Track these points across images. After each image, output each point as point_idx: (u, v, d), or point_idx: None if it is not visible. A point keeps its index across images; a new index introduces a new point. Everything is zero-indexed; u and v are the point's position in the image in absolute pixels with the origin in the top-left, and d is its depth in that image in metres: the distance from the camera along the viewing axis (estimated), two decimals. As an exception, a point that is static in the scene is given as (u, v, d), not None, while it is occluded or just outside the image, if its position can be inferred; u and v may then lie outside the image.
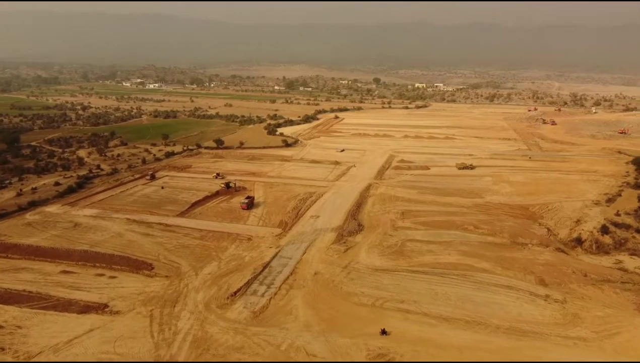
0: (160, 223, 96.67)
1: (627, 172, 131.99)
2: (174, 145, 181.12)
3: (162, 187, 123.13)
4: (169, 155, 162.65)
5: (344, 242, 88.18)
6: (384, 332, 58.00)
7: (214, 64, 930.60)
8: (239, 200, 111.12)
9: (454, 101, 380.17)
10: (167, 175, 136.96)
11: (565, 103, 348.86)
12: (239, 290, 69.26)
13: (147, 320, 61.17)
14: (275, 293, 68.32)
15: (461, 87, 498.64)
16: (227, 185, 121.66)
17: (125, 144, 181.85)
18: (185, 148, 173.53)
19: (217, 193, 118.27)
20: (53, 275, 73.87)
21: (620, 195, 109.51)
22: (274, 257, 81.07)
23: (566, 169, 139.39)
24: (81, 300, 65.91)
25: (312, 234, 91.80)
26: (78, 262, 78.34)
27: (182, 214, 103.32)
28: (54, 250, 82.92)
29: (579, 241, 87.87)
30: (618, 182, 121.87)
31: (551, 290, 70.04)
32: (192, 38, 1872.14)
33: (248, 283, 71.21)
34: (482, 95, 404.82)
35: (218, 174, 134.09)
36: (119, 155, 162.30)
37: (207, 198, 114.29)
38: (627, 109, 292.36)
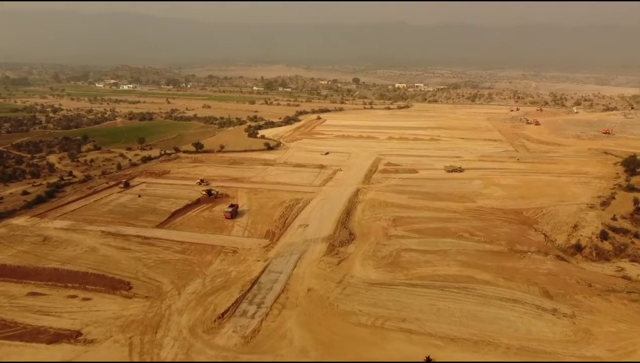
0: (138, 236, 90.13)
1: (617, 173, 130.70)
2: (151, 149, 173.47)
3: (139, 195, 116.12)
4: (146, 160, 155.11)
5: (336, 254, 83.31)
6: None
7: (190, 64, 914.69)
8: (222, 208, 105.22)
9: (435, 101, 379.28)
10: (144, 182, 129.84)
11: (547, 103, 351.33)
12: (226, 311, 63.70)
13: (125, 350, 55.20)
14: (267, 314, 62.99)
15: (442, 87, 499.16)
16: (209, 192, 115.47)
17: (99, 149, 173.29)
18: (162, 152, 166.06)
19: (198, 202, 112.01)
20: (19, 298, 66.98)
21: (614, 198, 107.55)
22: (262, 272, 75.68)
23: (556, 170, 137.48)
24: (51, 328, 59.43)
25: (301, 245, 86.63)
26: (48, 282, 71.54)
27: (161, 225, 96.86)
28: (21, 268, 75.84)
29: (578, 248, 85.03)
30: (610, 184, 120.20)
31: (557, 302, 66.58)
32: (166, 38, 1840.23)
33: (236, 303, 65.70)
34: (463, 95, 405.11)
35: (202, 180, 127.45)
36: (92, 160, 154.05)
37: (187, 207, 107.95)
38: (607, 109, 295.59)
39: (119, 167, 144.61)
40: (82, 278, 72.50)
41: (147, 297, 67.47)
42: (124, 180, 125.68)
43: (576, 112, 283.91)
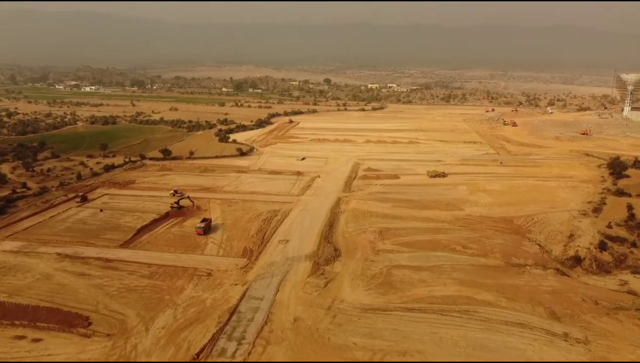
0: (99, 258, 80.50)
1: (603, 176, 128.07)
2: (114, 156, 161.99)
3: (101, 210, 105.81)
4: (109, 168, 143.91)
5: (322, 274, 75.97)
6: None
7: (155, 64, 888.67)
8: (194, 223, 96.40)
9: (409, 102, 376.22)
10: (106, 194, 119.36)
11: (521, 103, 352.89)
12: (202, 350, 55.47)
13: (82, 408, 46.37)
14: (250, 352, 55.08)
15: (415, 87, 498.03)
16: (179, 204, 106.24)
17: (58, 156, 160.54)
18: (127, 159, 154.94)
19: (167, 215, 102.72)
20: (-46, 342, 56.96)
21: (604, 203, 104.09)
22: (241, 299, 67.62)
23: (541, 174, 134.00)
24: (-9, 381, 49.99)
25: (283, 265, 78.90)
26: (-10, 320, 61.55)
27: (126, 244, 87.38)
28: (-41, 304, 65.45)
29: (577, 260, 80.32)
30: (598, 189, 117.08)
31: (567, 325, 61.15)
32: (130, 38, 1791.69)
33: (213, 340, 57.49)
34: (437, 96, 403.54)
35: (176, 191, 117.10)
36: (49, 169, 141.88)
37: (155, 222, 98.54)
38: (581, 109, 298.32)
39: (79, 177, 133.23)
40: (32, 314, 62.76)
41: (109, 334, 58.50)
42: (81, 194, 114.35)
43: (551, 112, 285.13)
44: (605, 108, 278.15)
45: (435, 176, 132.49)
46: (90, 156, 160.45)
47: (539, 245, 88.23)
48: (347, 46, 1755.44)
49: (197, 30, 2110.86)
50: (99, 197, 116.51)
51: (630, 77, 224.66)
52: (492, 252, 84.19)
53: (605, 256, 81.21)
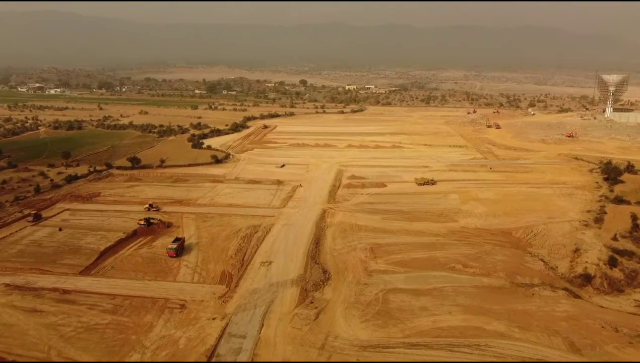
0: (54, 289, 70.28)
1: (597, 182, 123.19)
2: (78, 165, 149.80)
3: (60, 229, 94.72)
4: (71, 179, 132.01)
5: (311, 302, 67.55)
6: None
7: (124, 66, 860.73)
8: (165, 242, 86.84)
9: (389, 104, 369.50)
10: (67, 209, 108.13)
11: (502, 104, 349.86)
12: (175, 409, 46.36)
13: None
14: (232, 411, 46.27)
15: (393, 88, 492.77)
16: (148, 221, 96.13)
17: (15, 166, 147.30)
18: (92, 169, 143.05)
19: (135, 234, 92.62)
20: None
21: (605, 212, 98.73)
22: (220, 337, 58.77)
23: (533, 180, 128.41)
24: None
25: (267, 292, 70.13)
26: None
27: (86, 271, 77.20)
28: None
29: (587, 278, 74.13)
30: (594, 196, 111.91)
31: (589, 358, 54.45)
32: (99, 38, 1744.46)
33: (188, 394, 48.46)
34: (417, 98, 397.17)
35: (151, 205, 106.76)
36: (4, 181, 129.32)
37: (121, 243, 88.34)
38: (562, 110, 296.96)
39: (38, 190, 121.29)
40: (-32, 366, 52.52)
41: (61, 392, 48.80)
42: (34, 211, 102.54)
43: (532, 114, 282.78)
44: (587, 109, 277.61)
45: (423, 183, 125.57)
46: (52, 166, 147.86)
47: (542, 260, 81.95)
48: (320, 47, 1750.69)
49: (168, 31, 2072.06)
50: (58, 213, 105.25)
51: (611, 78, 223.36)
52: (494, 270, 77.31)
53: (616, 273, 75.27)
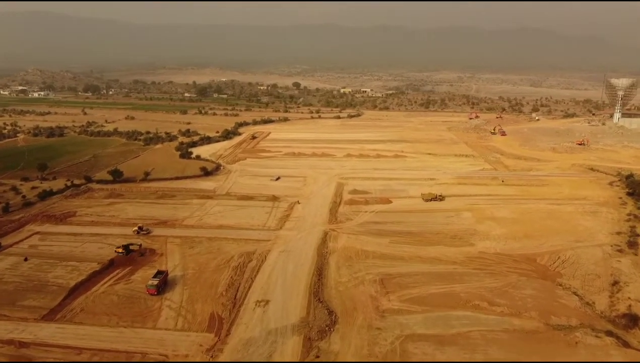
0: (9, 342, 58.88)
1: (621, 198, 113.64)
2: (55, 178, 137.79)
3: (26, 258, 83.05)
4: (45, 196, 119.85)
5: (317, 356, 56.81)
6: None
7: (113, 67, 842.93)
8: (145, 275, 75.82)
9: (387, 108, 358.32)
10: (37, 232, 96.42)
11: (504, 109, 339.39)
12: None
13: None
14: None
15: (390, 91, 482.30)
16: (127, 248, 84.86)
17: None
18: (69, 183, 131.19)
19: (111, 264, 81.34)
20: None
21: (637, 234, 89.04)
22: (208, 410, 47.77)
23: (551, 196, 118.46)
24: None
25: (264, 343, 59.30)
26: None
27: (51, 315, 65.74)
28: None
29: (633, 319, 64.01)
30: (621, 215, 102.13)
31: None
32: (87, 39, 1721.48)
33: None
34: (415, 102, 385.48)
35: (141, 228, 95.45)
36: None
37: (95, 276, 76.99)
38: (567, 115, 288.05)
39: (6, 209, 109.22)
40: None
41: None
42: None
43: (537, 119, 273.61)
44: (594, 114, 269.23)
45: (431, 199, 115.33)
46: (26, 179, 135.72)
47: (576, 294, 71.92)
48: (313, 48, 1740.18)
49: (158, 31, 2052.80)
50: (27, 237, 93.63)
51: (620, 82, 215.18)
52: (525, 309, 67.16)
53: (666, 313, 65.25)
